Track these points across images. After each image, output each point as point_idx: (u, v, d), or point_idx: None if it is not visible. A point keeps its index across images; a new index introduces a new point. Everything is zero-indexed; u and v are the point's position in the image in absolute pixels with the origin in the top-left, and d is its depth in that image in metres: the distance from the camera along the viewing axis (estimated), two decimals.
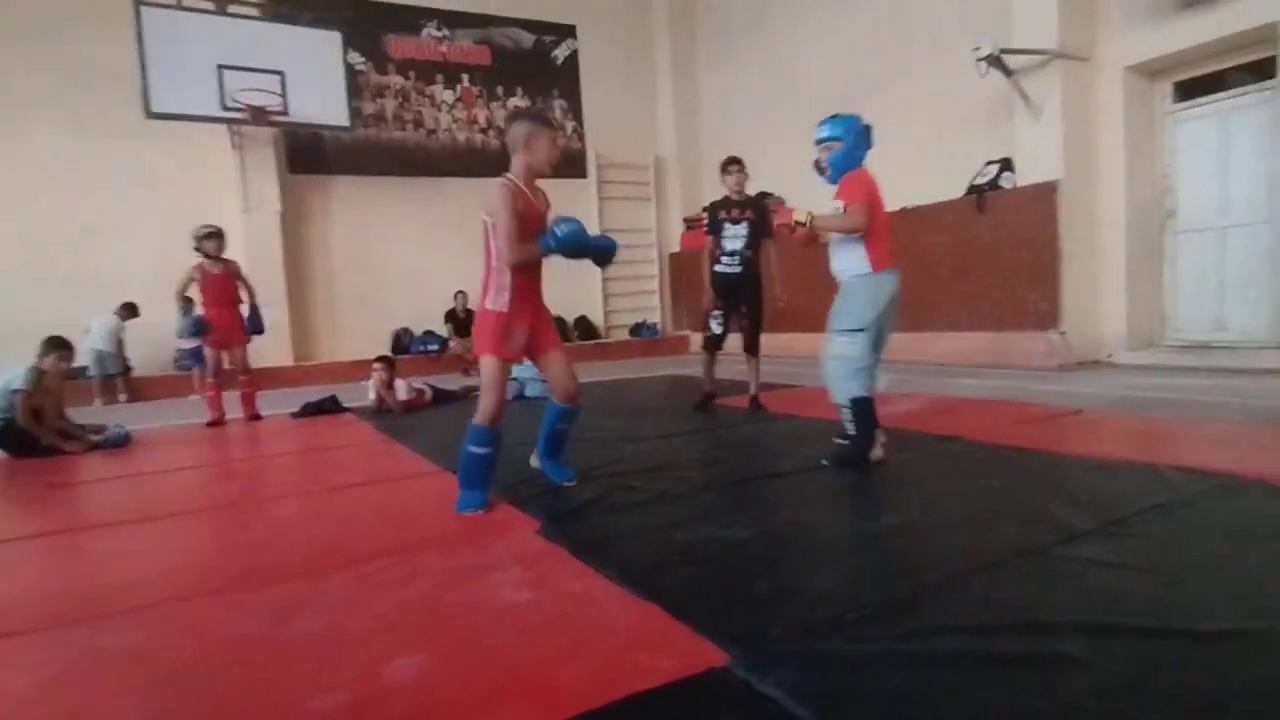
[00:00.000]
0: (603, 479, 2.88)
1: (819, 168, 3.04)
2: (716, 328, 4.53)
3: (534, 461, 3.00)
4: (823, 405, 3.92)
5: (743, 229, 4.37)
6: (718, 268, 4.47)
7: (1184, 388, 4.53)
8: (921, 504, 2.34)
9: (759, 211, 4.42)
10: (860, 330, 2.83)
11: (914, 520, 2.19)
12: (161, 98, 7.64)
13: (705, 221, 4.62)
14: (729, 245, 4.40)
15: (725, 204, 4.47)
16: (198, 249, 5.32)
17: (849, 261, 2.91)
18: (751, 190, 4.84)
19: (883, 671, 1.30)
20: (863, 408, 2.82)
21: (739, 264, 4.39)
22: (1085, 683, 1.23)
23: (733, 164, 4.48)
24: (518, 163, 2.59)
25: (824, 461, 2.91)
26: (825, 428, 3.58)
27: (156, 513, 2.85)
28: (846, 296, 2.90)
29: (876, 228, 2.87)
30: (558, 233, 2.47)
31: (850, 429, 2.87)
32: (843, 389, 2.85)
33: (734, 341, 4.64)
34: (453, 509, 2.56)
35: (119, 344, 7.74)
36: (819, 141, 2.99)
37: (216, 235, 5.35)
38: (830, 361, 2.90)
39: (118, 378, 7.75)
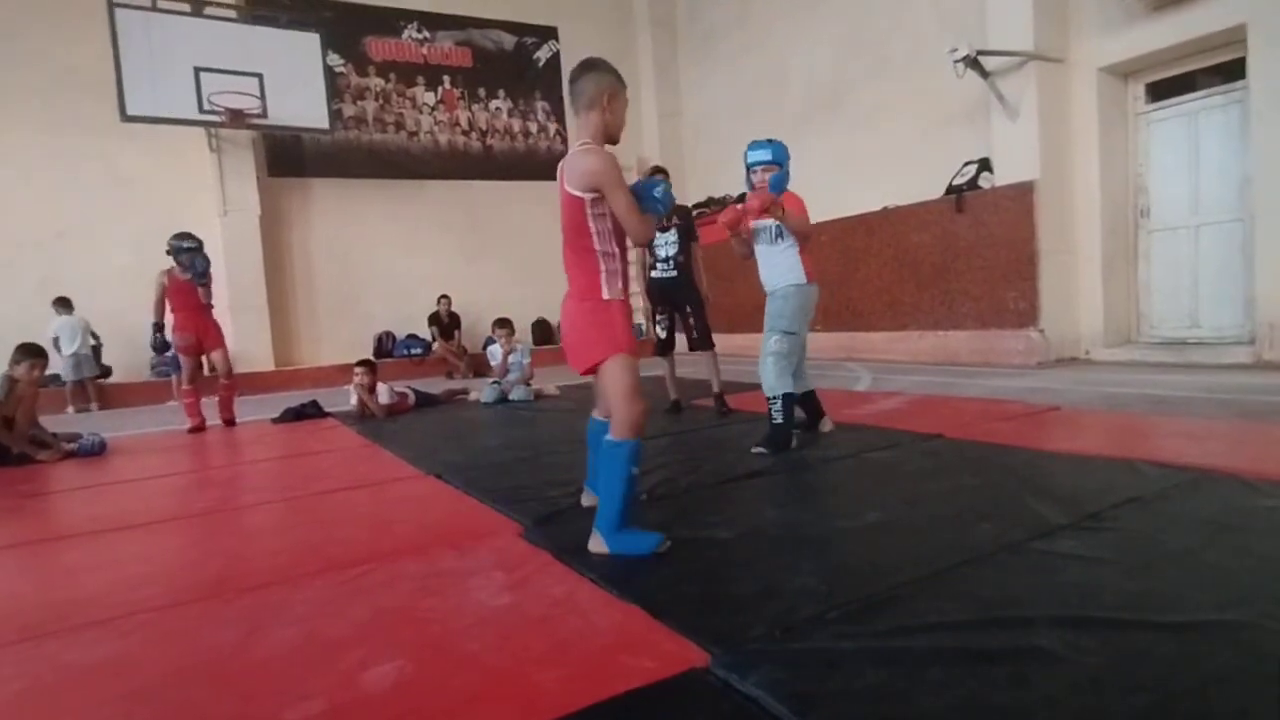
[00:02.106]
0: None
1: (754, 188, 3.27)
2: (663, 332, 4.68)
3: (587, 500, 2.46)
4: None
5: (672, 235, 4.53)
6: (654, 274, 4.63)
7: (1159, 383, 4.60)
8: (902, 501, 2.36)
9: (685, 218, 4.62)
10: (795, 334, 3.27)
11: (894, 518, 2.20)
12: (137, 100, 7.54)
13: None
14: (661, 252, 4.55)
15: None
16: (169, 253, 5.21)
17: (784, 271, 3.30)
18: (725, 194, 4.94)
19: (862, 669, 1.31)
20: (789, 402, 3.25)
21: (673, 268, 4.55)
22: (1060, 676, 1.24)
23: (657, 173, 4.60)
24: (593, 123, 2.06)
25: (758, 450, 3.18)
26: (803, 427, 3.61)
27: (131, 521, 2.80)
28: (788, 301, 3.27)
29: (810, 244, 3.32)
30: (657, 194, 2.12)
31: (778, 418, 3.22)
32: (777, 384, 3.22)
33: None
34: (434, 511, 2.54)
35: (87, 341, 7.56)
36: (758, 163, 3.24)
37: (197, 250, 5.20)
38: (769, 358, 3.25)
39: (89, 382, 7.60)
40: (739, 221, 3.26)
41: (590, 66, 2.10)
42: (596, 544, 2.04)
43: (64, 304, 7.51)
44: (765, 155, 3.21)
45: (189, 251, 5.17)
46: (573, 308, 2.12)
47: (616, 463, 2.01)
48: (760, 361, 3.30)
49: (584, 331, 2.08)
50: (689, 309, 4.55)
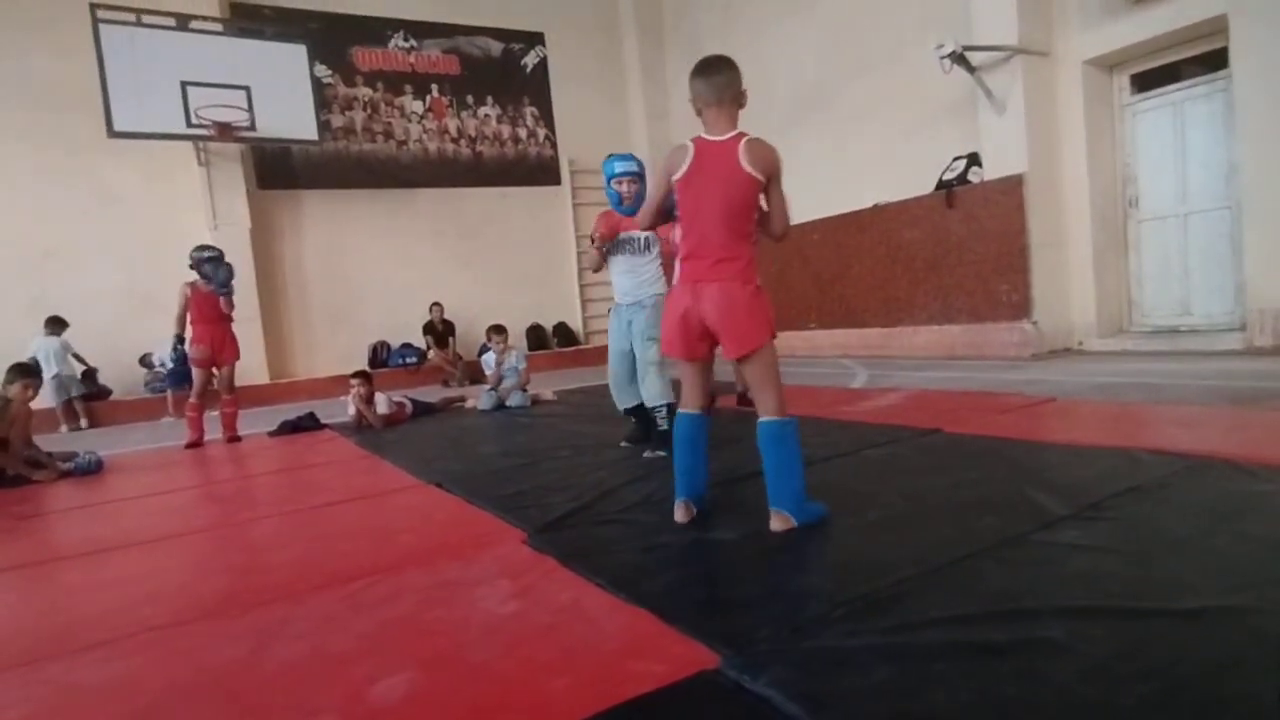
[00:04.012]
0: (588, 486, 2.88)
1: (621, 199, 3.36)
2: None
3: (683, 515, 2.30)
4: (802, 402, 3.94)
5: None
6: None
7: (1153, 372, 4.63)
8: (903, 497, 2.36)
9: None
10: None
11: (896, 514, 2.21)
12: (124, 116, 7.49)
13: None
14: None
15: None
16: (192, 266, 5.25)
17: (650, 281, 3.39)
18: None
19: (870, 666, 1.31)
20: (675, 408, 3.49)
21: None
22: (1067, 666, 1.25)
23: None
24: (735, 115, 2.15)
25: (658, 453, 3.23)
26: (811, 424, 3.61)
27: (131, 540, 2.78)
28: (658, 310, 3.27)
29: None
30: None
31: (664, 425, 3.31)
32: (667, 394, 3.32)
33: None
34: (436, 521, 2.53)
35: (71, 363, 7.52)
36: (625, 174, 3.34)
37: (219, 260, 5.28)
38: (652, 368, 3.35)
39: (77, 401, 7.55)
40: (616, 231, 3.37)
41: (729, 62, 2.17)
42: (781, 522, 2.10)
43: (51, 324, 7.46)
44: (630, 166, 3.35)
45: (211, 261, 5.23)
46: (735, 291, 2.13)
47: (792, 439, 2.14)
48: (640, 372, 3.38)
49: (749, 315, 2.14)
50: None
